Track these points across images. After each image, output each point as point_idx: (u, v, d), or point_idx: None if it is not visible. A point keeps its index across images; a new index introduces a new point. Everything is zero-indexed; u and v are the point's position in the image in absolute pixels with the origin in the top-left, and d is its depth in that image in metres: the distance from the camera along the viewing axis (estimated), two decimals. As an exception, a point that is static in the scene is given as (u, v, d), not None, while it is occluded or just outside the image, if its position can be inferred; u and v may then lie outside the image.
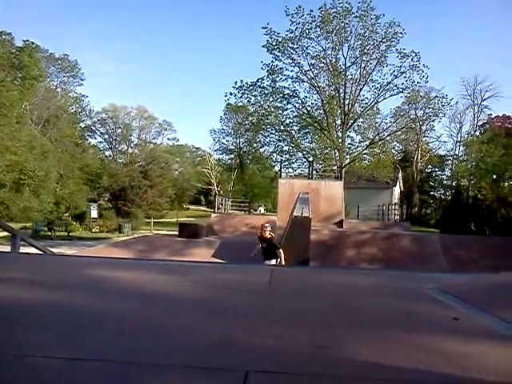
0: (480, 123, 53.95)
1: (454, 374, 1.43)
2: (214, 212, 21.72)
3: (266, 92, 30.60)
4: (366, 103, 31.00)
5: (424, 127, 43.23)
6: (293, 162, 33.03)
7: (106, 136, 61.55)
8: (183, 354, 1.59)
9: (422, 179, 55.69)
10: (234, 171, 57.48)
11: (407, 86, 29.74)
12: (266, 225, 9.50)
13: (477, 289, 2.77)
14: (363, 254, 11.90)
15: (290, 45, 29.29)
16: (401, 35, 28.90)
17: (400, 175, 46.42)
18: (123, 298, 2.45)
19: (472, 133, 53.03)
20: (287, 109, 31.33)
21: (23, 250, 6.31)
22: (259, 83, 30.25)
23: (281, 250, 8.78)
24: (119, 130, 61.00)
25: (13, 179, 34.48)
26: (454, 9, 73.72)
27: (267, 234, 9.18)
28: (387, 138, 31.94)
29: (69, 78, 51.93)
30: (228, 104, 42.06)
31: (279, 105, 30.75)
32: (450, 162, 54.70)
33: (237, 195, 46.52)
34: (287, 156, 32.55)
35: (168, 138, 66.06)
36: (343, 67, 30.13)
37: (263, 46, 29.33)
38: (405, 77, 29.31)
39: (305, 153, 32.23)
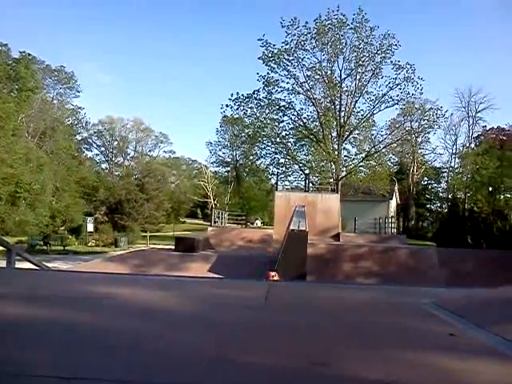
0: (475, 135, 54.33)
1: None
2: (211, 225, 21.68)
3: (262, 104, 30.71)
4: (362, 115, 31.11)
5: (419, 139, 43.48)
6: (289, 175, 33.09)
7: (103, 148, 61.62)
8: (179, 371, 1.59)
9: (418, 192, 55.83)
10: (230, 184, 57.53)
11: (402, 98, 29.90)
12: (273, 273, 8.98)
13: (473, 304, 2.78)
14: (360, 267, 11.88)
15: (286, 56, 29.47)
16: (395, 47, 29.13)
17: (396, 188, 46.50)
18: (119, 314, 2.44)
19: (467, 145, 53.38)
20: (283, 121, 31.43)
21: (19, 264, 6.27)
22: (255, 95, 30.37)
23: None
24: (115, 143, 61.07)
25: (8, 192, 34.30)
26: (447, 20, 74.65)
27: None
28: (383, 150, 32.02)
29: (65, 89, 52.08)
30: (224, 116, 42.14)
31: (275, 117, 30.85)
32: (445, 174, 54.91)
33: (233, 208, 46.49)
34: (283, 168, 32.60)
35: (164, 151, 66.20)
36: (338, 79, 30.32)
37: (259, 58, 29.51)
38: (400, 89, 29.49)
39: (301, 165, 32.29)
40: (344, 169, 31.15)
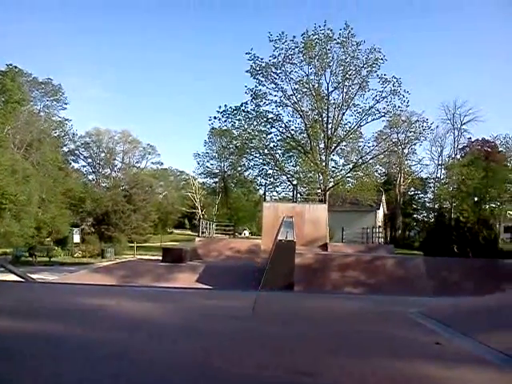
0: (460, 147, 55.26)
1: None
2: (199, 236, 21.60)
3: (250, 116, 30.96)
4: (349, 127, 31.56)
5: (406, 150, 44.03)
6: (277, 186, 33.29)
7: (90, 160, 61.36)
8: (165, 382, 1.57)
9: (405, 202, 56.39)
10: (218, 195, 57.52)
11: (389, 111, 30.41)
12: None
13: (459, 313, 2.79)
14: (348, 277, 11.91)
15: (274, 70, 29.85)
16: (381, 61, 29.67)
17: (383, 198, 46.91)
18: (105, 325, 2.41)
19: (453, 156, 54.18)
20: (271, 133, 31.70)
21: (2, 277, 6.17)
22: (243, 107, 30.62)
23: None
24: (103, 154, 60.84)
25: (-7, 203, 33.91)
26: (432, 33, 75.91)
27: None
28: (370, 162, 32.42)
29: (52, 102, 51.90)
30: (212, 128, 42.33)
31: (263, 129, 31.10)
32: (432, 184, 55.60)
33: (221, 219, 46.45)
34: (271, 179, 32.79)
35: (152, 162, 66.10)
36: (326, 92, 30.74)
37: (247, 71, 29.84)
38: (386, 101, 30.03)
39: (289, 176, 32.46)
40: (332, 179, 31.40)
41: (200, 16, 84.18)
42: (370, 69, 29.60)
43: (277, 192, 33.15)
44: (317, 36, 29.27)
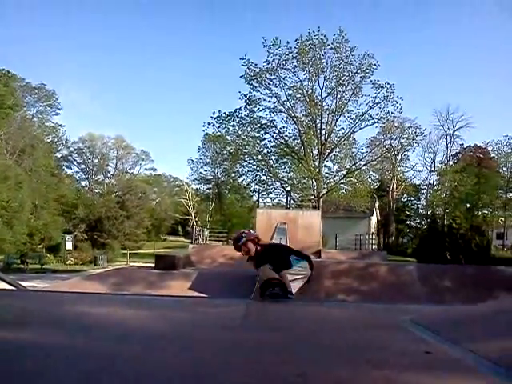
0: (453, 153, 55.61)
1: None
2: (192, 243, 21.50)
3: (244, 122, 31.03)
4: (343, 133, 31.70)
5: (399, 157, 44.23)
6: (271, 192, 33.31)
7: (83, 166, 61.13)
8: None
9: (399, 208, 56.58)
10: (212, 201, 57.43)
11: (382, 117, 30.60)
12: (243, 235, 6.30)
13: (450, 321, 2.79)
14: (341, 284, 11.87)
15: (268, 75, 29.98)
16: (375, 67, 29.86)
17: (377, 204, 47.06)
18: (96, 335, 2.39)
19: (445, 162, 54.46)
20: (265, 139, 31.76)
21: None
22: (237, 113, 30.68)
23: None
24: (96, 160, 60.62)
25: (-15, 210, 33.71)
26: (423, 40, 76.58)
27: (251, 246, 6.25)
28: (363, 168, 32.56)
29: (45, 107, 51.75)
30: (206, 134, 42.30)
31: (257, 135, 31.15)
32: (425, 191, 55.85)
33: (215, 225, 46.33)
34: (265, 186, 32.80)
35: (145, 168, 65.95)
36: (319, 98, 30.89)
37: (241, 77, 29.94)
38: (380, 107, 30.21)
39: (282, 182, 32.50)
40: (325, 186, 31.47)
41: (190, 11, 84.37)
42: (363, 74, 29.82)
43: (270, 198, 33.18)
44: (311, 41, 29.47)
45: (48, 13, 77.30)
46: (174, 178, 70.60)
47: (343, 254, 20.21)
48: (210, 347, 2.17)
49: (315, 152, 31.70)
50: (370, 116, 30.48)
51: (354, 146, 32.99)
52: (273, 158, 32.62)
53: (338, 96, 30.65)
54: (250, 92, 29.79)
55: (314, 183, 31.02)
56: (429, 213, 53.00)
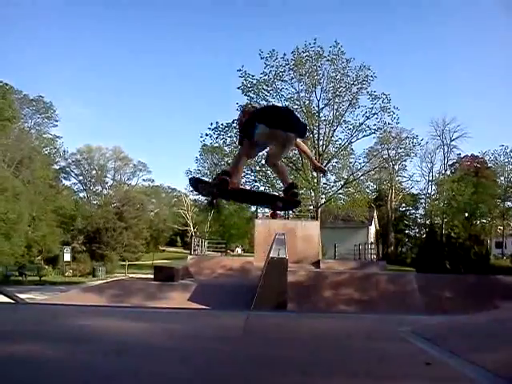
0: (450, 163, 55.63)
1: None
2: (191, 254, 21.48)
3: (242, 133, 30.98)
4: (340, 144, 31.70)
5: (397, 167, 44.28)
6: (269, 202, 33.17)
7: (81, 177, 60.99)
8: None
9: (397, 218, 56.51)
10: (210, 212, 57.26)
11: (379, 127, 30.62)
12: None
13: (450, 331, 2.79)
14: (341, 294, 11.87)
15: (265, 87, 30.03)
16: (371, 78, 29.96)
17: (375, 214, 47.03)
18: (94, 348, 2.39)
19: (443, 172, 54.48)
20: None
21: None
22: (234, 124, 30.67)
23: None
24: (94, 172, 60.51)
25: (-17, 223, 33.61)
26: (419, 50, 77.21)
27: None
28: (361, 178, 32.57)
29: (43, 119, 51.64)
30: (204, 145, 42.27)
31: (254, 145, 31.07)
32: (423, 200, 55.84)
33: (213, 236, 46.27)
34: (263, 196, 32.68)
35: (143, 179, 65.74)
36: (316, 109, 30.92)
37: (238, 88, 30.01)
38: (376, 118, 30.23)
39: (280, 193, 32.45)
40: (323, 196, 31.41)
41: (192, 33, 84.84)
42: (360, 86, 29.98)
43: (269, 209, 33.15)
44: (307, 53, 29.63)
45: (45, 22, 77.67)
46: (172, 188, 70.59)
47: (342, 263, 20.23)
48: (207, 360, 2.16)
49: (313, 162, 31.71)
50: (367, 126, 30.58)
51: (351, 156, 33.07)
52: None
53: (335, 107, 30.79)
54: (247, 103, 29.86)
55: (312, 194, 31.04)
56: (427, 222, 53.00)
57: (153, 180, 66.58)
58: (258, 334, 2.68)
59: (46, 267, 34.03)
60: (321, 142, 31.17)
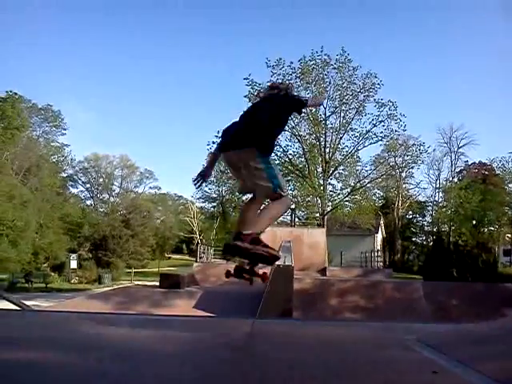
0: (457, 170, 55.36)
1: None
2: (196, 261, 21.48)
3: (248, 141, 31.05)
4: (347, 151, 31.73)
5: (403, 174, 44.16)
6: (275, 210, 33.13)
7: (88, 185, 61.30)
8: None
9: (404, 225, 56.26)
10: (216, 219, 57.34)
11: (386, 135, 30.62)
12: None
13: (457, 340, 2.77)
14: (347, 302, 11.81)
15: (271, 95, 30.12)
16: (378, 86, 29.98)
17: (382, 222, 46.84)
18: (99, 355, 2.39)
19: (450, 179, 54.24)
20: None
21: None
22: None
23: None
24: (101, 179, 60.79)
25: (-10, 230, 33.81)
26: (426, 58, 77.21)
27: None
28: (368, 185, 32.53)
29: (51, 127, 52.10)
30: (210, 153, 42.43)
31: (261, 153, 31.05)
32: (430, 208, 55.57)
33: (219, 243, 46.20)
34: (269, 203, 32.67)
35: (150, 187, 65.94)
36: (323, 117, 30.98)
37: (245, 96, 30.15)
38: (383, 125, 30.24)
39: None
40: (330, 203, 31.37)
41: (197, 41, 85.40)
42: (366, 94, 30.02)
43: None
44: (314, 61, 29.75)
45: (52, 32, 78.37)
46: (178, 196, 70.77)
47: (349, 271, 20.13)
48: (213, 368, 2.15)
49: (319, 170, 31.74)
50: (374, 134, 30.59)
51: (358, 163, 33.06)
52: (277, 175, 32.64)
53: (342, 115, 30.85)
54: (253, 111, 29.91)
55: (319, 201, 31.01)
56: (434, 230, 52.71)
57: (159, 188, 66.79)
58: (263, 342, 2.67)
59: (53, 274, 34.11)
60: (327, 150, 31.19)
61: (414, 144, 33.31)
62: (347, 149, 31.63)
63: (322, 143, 31.00)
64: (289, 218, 29.70)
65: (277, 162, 31.74)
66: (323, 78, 30.15)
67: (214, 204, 60.88)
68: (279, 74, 29.78)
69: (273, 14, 75.55)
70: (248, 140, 3.14)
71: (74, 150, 56.27)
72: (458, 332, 3.15)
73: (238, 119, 3.45)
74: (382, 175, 34.78)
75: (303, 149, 31.02)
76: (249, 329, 3.19)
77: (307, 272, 17.59)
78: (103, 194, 62.22)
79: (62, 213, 45.23)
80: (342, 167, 32.08)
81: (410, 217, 58.37)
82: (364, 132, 30.74)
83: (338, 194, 32.39)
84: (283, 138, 31.43)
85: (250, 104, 29.48)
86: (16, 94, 45.82)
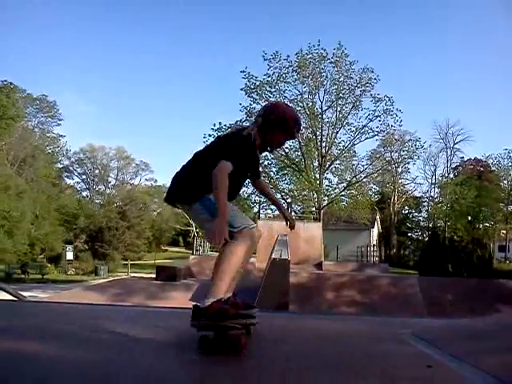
0: (453, 166, 55.44)
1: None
2: (193, 254, 21.49)
3: (244, 134, 30.95)
4: (343, 146, 31.65)
5: (400, 169, 44.07)
6: (271, 204, 33.11)
7: (84, 176, 61.10)
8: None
9: (400, 220, 56.38)
10: (213, 212, 57.13)
11: (382, 130, 30.55)
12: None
13: (451, 334, 2.80)
14: (343, 296, 11.87)
15: (268, 88, 30.04)
16: (375, 81, 29.91)
17: (378, 217, 46.94)
18: (96, 345, 2.40)
19: (446, 175, 54.34)
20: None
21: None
22: (237, 125, 30.60)
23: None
24: (97, 171, 60.61)
25: (-14, 220, 33.71)
26: (423, 53, 77.12)
27: None
28: (364, 180, 32.52)
29: (46, 118, 51.84)
30: (207, 146, 42.30)
31: (258, 147, 30.91)
32: (426, 203, 55.66)
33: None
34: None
35: (146, 179, 65.76)
36: (320, 111, 30.88)
37: (241, 89, 30.03)
38: (379, 120, 30.14)
39: (283, 194, 32.37)
40: (326, 198, 31.33)
41: (195, 34, 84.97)
42: (363, 88, 29.93)
43: (271, 210, 33.02)
44: (310, 55, 29.59)
45: (49, 22, 77.82)
46: (175, 188, 70.20)
47: (345, 266, 20.19)
48: (211, 360, 2.17)
49: (315, 164, 31.67)
50: (370, 129, 30.45)
51: (354, 158, 32.94)
52: (273, 169, 32.63)
53: (338, 109, 30.69)
54: (250, 104, 29.82)
55: (315, 195, 31.00)
56: (430, 225, 52.86)
57: (155, 180, 66.57)
58: (260, 334, 2.69)
59: (49, 265, 34.07)
60: (324, 144, 31.11)
61: (410, 139, 33.30)
62: (343, 143, 31.57)
63: (319, 137, 30.93)
64: (285, 211, 29.67)
65: (272, 155, 31.69)
66: (320, 72, 29.99)
67: (211, 197, 60.93)
68: (276, 68, 29.66)
69: (272, 11, 75.32)
70: (179, 195, 2.90)
71: (73, 142, 56.13)
72: (452, 327, 3.18)
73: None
74: (378, 170, 34.71)
75: (299, 142, 30.91)
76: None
77: (303, 266, 17.63)
78: (99, 185, 62.07)
79: (57, 204, 45.13)
80: (338, 161, 32.01)
81: (406, 212, 58.51)
82: (360, 127, 30.66)
83: (335, 189, 32.33)
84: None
85: (246, 97, 29.48)
86: (11, 83, 45.54)
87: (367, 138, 31.36)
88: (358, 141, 31.50)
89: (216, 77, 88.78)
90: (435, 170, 54.52)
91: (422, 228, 57.14)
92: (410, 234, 58.69)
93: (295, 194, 32.72)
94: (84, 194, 61.25)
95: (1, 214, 34.54)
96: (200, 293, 12.35)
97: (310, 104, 30.54)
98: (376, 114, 30.05)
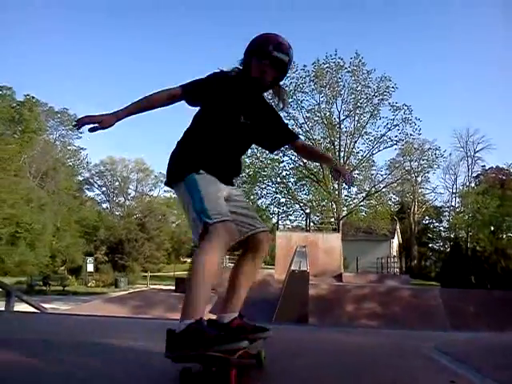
0: (474, 175, 54.56)
1: None
2: (212, 265, 21.47)
3: (262, 145, 31.05)
4: (361, 155, 31.54)
5: (419, 179, 43.67)
6: (290, 214, 33.06)
7: (104, 188, 61.85)
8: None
9: (420, 231, 55.59)
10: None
11: (401, 139, 30.38)
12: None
13: (475, 348, 2.73)
14: (363, 309, 11.74)
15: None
16: (393, 89, 29.79)
17: (398, 227, 46.39)
18: (116, 358, 2.41)
19: (467, 184, 53.52)
20: (283, 161, 31.67)
21: (16, 306, 6.21)
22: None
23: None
24: (117, 183, 61.33)
25: (9, 233, 34.29)
26: (441, 61, 76.53)
27: None
28: (383, 190, 32.26)
29: (67, 131, 52.74)
30: (225, 157, 42.51)
31: (275, 157, 31.01)
32: (446, 213, 54.85)
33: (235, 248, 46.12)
34: (284, 208, 32.63)
35: (164, 190, 66.19)
36: (337, 120, 30.86)
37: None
38: (398, 129, 30.00)
39: (302, 205, 32.32)
40: (345, 208, 31.16)
41: (210, 43, 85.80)
42: (381, 97, 29.83)
43: (290, 220, 33.05)
44: (327, 65, 29.68)
45: (67, 37, 79.31)
46: (193, 200, 70.49)
47: (365, 277, 20.00)
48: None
49: (334, 174, 31.52)
50: (389, 138, 30.32)
51: (373, 168, 32.80)
52: (291, 180, 32.59)
53: (356, 118, 30.65)
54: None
55: (334, 205, 30.87)
56: (451, 235, 52.04)
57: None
58: (279, 348, 2.67)
59: (70, 277, 34.46)
60: (342, 154, 31.05)
61: (429, 148, 33.00)
62: (362, 153, 31.47)
63: (337, 147, 30.89)
64: (304, 222, 29.64)
65: (291, 166, 31.63)
66: (337, 82, 30.04)
67: (229, 208, 61.04)
68: (293, 78, 29.76)
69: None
70: (169, 172, 2.47)
71: (91, 154, 56.90)
72: (477, 341, 3.11)
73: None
74: (398, 180, 34.44)
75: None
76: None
77: (323, 278, 17.51)
78: (119, 197, 62.75)
79: (78, 216, 45.74)
80: (356, 171, 31.84)
81: (427, 222, 57.68)
82: (379, 136, 30.54)
83: (353, 199, 32.20)
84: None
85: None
86: (33, 97, 46.59)
87: (386, 148, 31.21)
88: (376, 150, 31.37)
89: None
90: (456, 179, 53.80)
91: (443, 238, 56.24)
92: (431, 245, 57.77)
93: (314, 204, 32.62)
94: (104, 205, 61.99)
95: (23, 226, 35.15)
96: (219, 305, 12.36)
97: (328, 114, 30.55)
98: (394, 123, 29.93)
